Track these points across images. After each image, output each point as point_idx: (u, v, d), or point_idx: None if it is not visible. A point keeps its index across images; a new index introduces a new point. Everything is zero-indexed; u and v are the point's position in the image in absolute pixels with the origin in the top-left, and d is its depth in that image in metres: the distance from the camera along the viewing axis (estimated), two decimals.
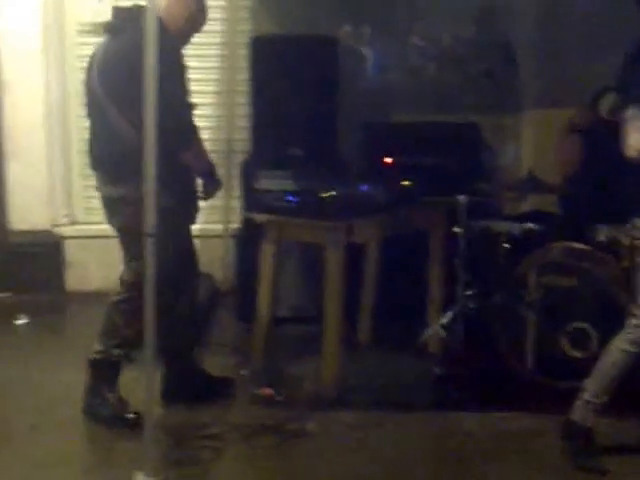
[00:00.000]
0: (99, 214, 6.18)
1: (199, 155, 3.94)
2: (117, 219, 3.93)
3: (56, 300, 6.07)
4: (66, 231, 6.28)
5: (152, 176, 3.16)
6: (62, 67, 6.17)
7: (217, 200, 6.08)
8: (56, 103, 6.15)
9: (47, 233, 6.22)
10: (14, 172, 6.13)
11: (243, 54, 5.84)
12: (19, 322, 5.49)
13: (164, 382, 4.13)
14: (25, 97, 6.04)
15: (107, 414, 3.89)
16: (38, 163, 6.13)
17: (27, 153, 6.10)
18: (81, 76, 5.95)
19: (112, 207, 3.93)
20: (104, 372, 3.95)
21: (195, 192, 4.05)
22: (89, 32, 6.09)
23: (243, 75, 5.90)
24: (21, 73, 6.03)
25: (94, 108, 3.93)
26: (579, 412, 3.52)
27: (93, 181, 6.19)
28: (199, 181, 4.07)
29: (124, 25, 3.90)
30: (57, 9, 6.13)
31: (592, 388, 3.50)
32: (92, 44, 5.76)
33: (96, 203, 6.20)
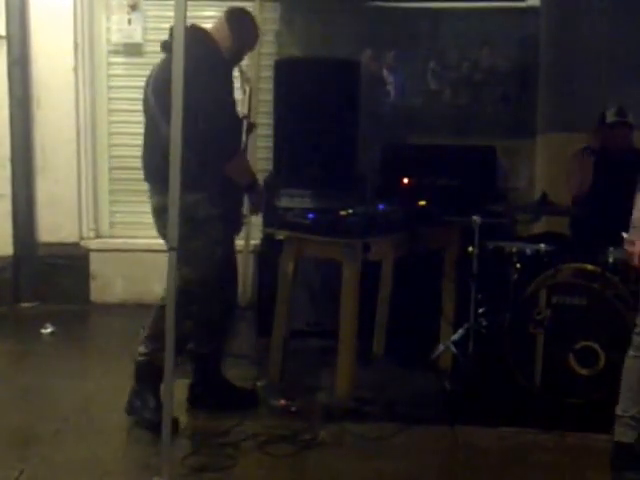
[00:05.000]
0: (123, 228, 6.40)
1: (241, 168, 4.06)
2: (164, 228, 3.97)
3: (81, 310, 6.19)
4: (92, 244, 6.39)
5: (176, 189, 3.26)
6: (92, 85, 6.32)
7: None
8: (86, 120, 6.29)
9: (74, 246, 6.35)
10: (44, 187, 6.27)
11: (267, 76, 6.02)
12: (45, 331, 5.58)
13: (192, 389, 4.25)
14: (56, 114, 6.19)
15: (147, 417, 3.97)
16: (67, 178, 6.27)
17: (57, 169, 6.25)
18: (110, 95, 6.25)
19: (160, 216, 3.99)
20: (147, 375, 4.01)
21: (239, 204, 4.18)
22: (119, 52, 6.30)
23: (267, 96, 6.05)
24: (53, 91, 6.18)
25: (148, 121, 4.06)
26: (617, 430, 3.60)
27: (118, 197, 6.43)
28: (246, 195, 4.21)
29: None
30: (88, 30, 6.29)
31: (620, 405, 3.59)
32: (121, 64, 6.08)
33: (121, 218, 6.43)
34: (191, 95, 3.72)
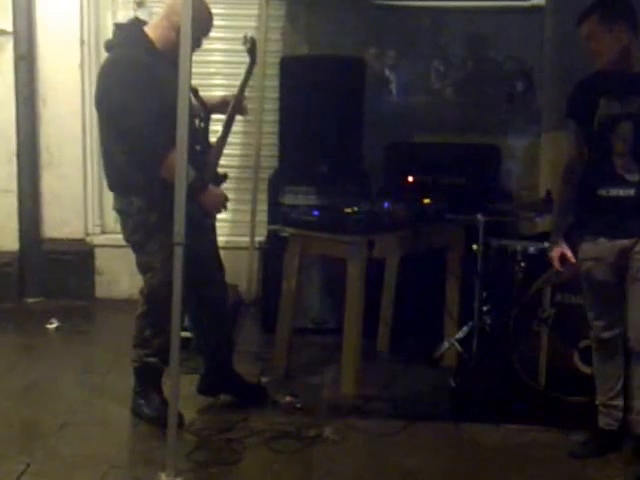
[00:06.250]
0: None
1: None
2: (123, 231, 4.03)
3: (86, 306, 6.21)
4: (97, 240, 6.42)
5: (182, 185, 3.24)
6: None
7: (244, 214, 6.29)
8: (91, 116, 6.28)
9: (79, 242, 6.37)
10: (49, 183, 6.29)
11: (273, 73, 6.02)
12: (51, 326, 5.61)
13: (202, 380, 4.26)
14: (62, 110, 6.20)
15: (152, 414, 4.00)
16: (73, 174, 6.28)
17: (62, 164, 6.26)
18: None
19: (119, 219, 4.03)
20: (146, 377, 4.06)
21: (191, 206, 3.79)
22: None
23: (272, 94, 6.06)
24: (59, 87, 6.20)
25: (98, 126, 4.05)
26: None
27: None
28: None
29: (117, 42, 3.94)
30: (94, 26, 6.29)
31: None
32: None
33: None
34: (112, 95, 3.73)
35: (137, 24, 3.99)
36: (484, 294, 4.62)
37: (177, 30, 3.50)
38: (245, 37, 4.02)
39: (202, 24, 3.89)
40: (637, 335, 3.60)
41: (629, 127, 3.53)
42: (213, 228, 4.19)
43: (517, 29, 6.12)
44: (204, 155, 3.97)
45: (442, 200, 4.83)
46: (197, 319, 4.17)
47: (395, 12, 6.07)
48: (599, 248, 3.65)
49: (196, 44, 3.85)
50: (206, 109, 4.07)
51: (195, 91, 4.03)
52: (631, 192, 3.54)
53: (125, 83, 3.72)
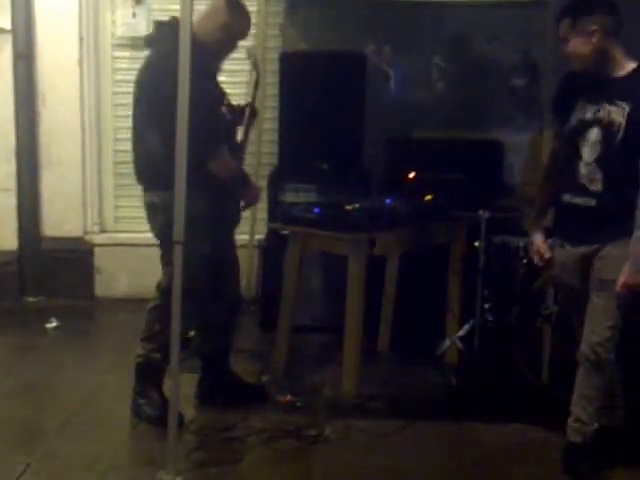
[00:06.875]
0: (128, 223, 6.39)
1: (224, 165, 3.91)
2: (152, 225, 4.04)
3: (85, 305, 6.19)
4: (97, 239, 6.40)
5: (182, 185, 3.25)
6: (97, 79, 6.29)
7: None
8: (90, 115, 6.29)
9: (79, 240, 6.35)
10: (48, 181, 6.27)
11: (272, 69, 5.98)
12: (50, 325, 5.60)
13: (200, 384, 4.25)
14: (61, 108, 6.18)
15: (152, 414, 3.99)
16: (72, 173, 6.26)
17: (61, 163, 6.24)
18: (114, 89, 6.25)
19: (148, 214, 4.04)
20: (148, 375, 4.05)
21: (229, 201, 4.07)
22: (124, 46, 6.28)
23: (272, 90, 6.03)
24: (58, 85, 6.17)
25: (132, 117, 4.05)
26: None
27: (123, 191, 6.42)
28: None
29: (160, 38, 4.00)
30: (93, 23, 6.27)
31: None
32: (126, 57, 6.08)
33: (125, 212, 6.42)
34: (163, 94, 3.72)
35: (179, 21, 4.00)
36: (486, 291, 4.61)
37: (220, 28, 3.90)
38: (248, 51, 4.17)
39: (244, 29, 4.05)
40: (588, 345, 3.51)
41: (597, 134, 3.43)
42: None
43: (520, 23, 6.08)
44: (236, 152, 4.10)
45: (444, 196, 4.80)
46: (206, 318, 4.14)
47: (395, 6, 6.05)
48: (564, 253, 3.62)
49: (234, 47, 4.04)
50: (234, 114, 4.12)
51: (223, 95, 4.09)
52: (592, 202, 3.44)
53: (175, 76, 3.71)
